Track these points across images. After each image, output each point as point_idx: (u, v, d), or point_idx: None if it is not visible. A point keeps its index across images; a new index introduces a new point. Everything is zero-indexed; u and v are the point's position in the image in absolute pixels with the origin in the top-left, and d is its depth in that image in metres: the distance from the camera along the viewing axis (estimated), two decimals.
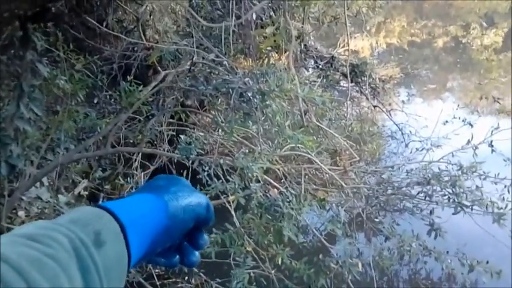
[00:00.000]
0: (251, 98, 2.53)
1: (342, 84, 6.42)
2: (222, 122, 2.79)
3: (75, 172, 3.88)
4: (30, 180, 3.00)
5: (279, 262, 2.91)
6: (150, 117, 3.17)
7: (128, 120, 3.69)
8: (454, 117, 3.69)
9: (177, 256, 0.58)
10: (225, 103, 3.22)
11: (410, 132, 5.23)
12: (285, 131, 2.52)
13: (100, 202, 4.22)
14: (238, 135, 2.98)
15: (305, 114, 2.83)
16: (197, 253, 0.58)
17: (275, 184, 2.96)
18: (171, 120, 4.37)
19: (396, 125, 5.55)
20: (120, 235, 0.45)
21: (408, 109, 6.53)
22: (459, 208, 2.79)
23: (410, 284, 5.25)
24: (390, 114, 6.03)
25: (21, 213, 3.18)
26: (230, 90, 2.55)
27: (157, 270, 3.51)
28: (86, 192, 3.97)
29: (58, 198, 3.57)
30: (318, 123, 3.03)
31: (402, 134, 5.34)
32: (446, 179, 2.89)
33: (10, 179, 3.19)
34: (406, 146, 5.06)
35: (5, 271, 0.34)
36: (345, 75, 5.79)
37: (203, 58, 2.83)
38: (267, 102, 2.48)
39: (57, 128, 3.30)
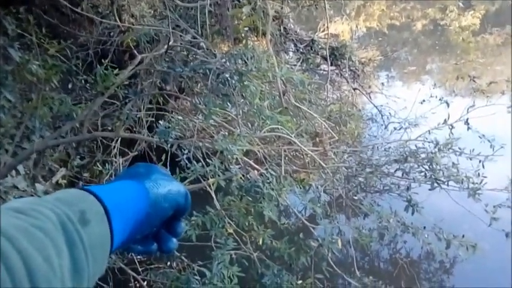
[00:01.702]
0: (229, 79, 2.52)
1: (322, 68, 6.44)
2: (201, 105, 2.77)
3: (53, 160, 3.81)
4: (5, 169, 2.95)
5: (260, 243, 2.93)
6: (127, 102, 3.13)
7: (105, 106, 3.64)
8: (431, 96, 3.74)
9: (155, 244, 0.58)
10: (204, 87, 3.20)
11: (389, 114, 5.29)
12: (264, 112, 2.51)
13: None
14: (217, 118, 2.97)
15: (283, 94, 2.83)
16: (174, 240, 0.59)
17: (255, 166, 2.96)
18: (149, 106, 4.32)
19: (376, 107, 5.61)
20: (104, 217, 0.46)
21: (388, 92, 6.60)
22: (435, 184, 2.84)
23: (391, 263, 5.37)
24: (370, 97, 6.09)
25: None
26: (207, 71, 2.53)
27: (139, 257, 3.50)
28: (65, 181, 3.92)
29: (35, 187, 3.51)
30: (296, 104, 3.03)
31: (382, 116, 5.40)
32: (423, 156, 2.93)
33: None
34: (386, 127, 5.12)
35: None
36: (324, 59, 5.80)
37: (180, 38, 2.79)
38: (245, 83, 2.47)
39: (31, 115, 3.23)
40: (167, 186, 0.56)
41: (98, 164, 3.29)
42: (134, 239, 0.54)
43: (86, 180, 3.98)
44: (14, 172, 3.32)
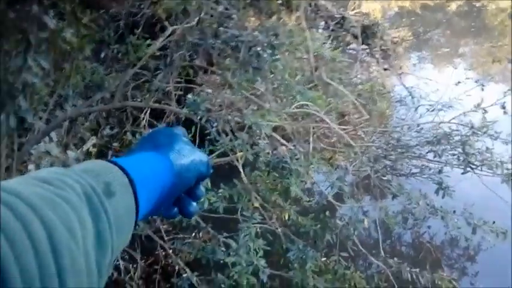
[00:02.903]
0: (261, 52, 2.49)
1: (351, 47, 6.30)
2: (230, 78, 2.75)
3: (84, 129, 3.89)
4: (39, 135, 3.02)
5: (286, 218, 2.94)
6: (158, 73, 3.14)
7: (136, 78, 3.66)
8: (467, 78, 3.61)
9: (176, 208, 0.59)
10: (234, 61, 3.17)
11: (420, 96, 5.15)
12: (295, 87, 2.48)
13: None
14: (246, 93, 2.95)
15: (315, 70, 2.79)
16: (194, 204, 0.60)
17: (283, 142, 2.95)
18: (178, 79, 4.33)
19: (406, 88, 5.46)
20: (129, 189, 0.46)
21: (419, 73, 6.43)
22: (468, 168, 2.77)
23: (413, 247, 5.33)
24: (400, 78, 5.94)
25: (31, 166, 3.21)
26: (239, 44, 2.50)
27: (165, 226, 3.56)
28: (95, 149, 4.00)
29: (67, 154, 3.60)
30: (328, 81, 2.98)
31: (412, 97, 5.26)
32: (456, 138, 2.86)
33: (19, 133, 3.21)
34: (416, 110, 5.00)
35: (19, 206, 0.34)
36: (355, 37, 5.67)
37: (212, 9, 2.76)
38: (277, 57, 2.44)
39: (64, 84, 3.28)
40: (190, 156, 0.56)
41: (127, 133, 3.33)
42: (159, 209, 0.54)
43: (115, 149, 4.05)
44: (47, 139, 3.40)
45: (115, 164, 0.47)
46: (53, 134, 3.57)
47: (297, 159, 2.87)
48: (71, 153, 3.66)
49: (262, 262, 2.56)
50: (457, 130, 2.94)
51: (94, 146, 4.01)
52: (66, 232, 0.35)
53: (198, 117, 2.94)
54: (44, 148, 3.37)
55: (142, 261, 3.81)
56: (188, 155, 0.56)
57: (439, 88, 4.92)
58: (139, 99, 4.19)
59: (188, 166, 0.55)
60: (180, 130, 0.63)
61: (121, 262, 3.76)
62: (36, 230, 0.33)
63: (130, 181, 0.46)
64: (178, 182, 0.54)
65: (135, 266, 3.75)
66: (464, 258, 5.08)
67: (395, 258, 2.88)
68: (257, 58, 2.49)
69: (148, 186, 0.49)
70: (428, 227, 5.22)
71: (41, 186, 0.38)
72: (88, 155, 3.96)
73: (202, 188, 0.60)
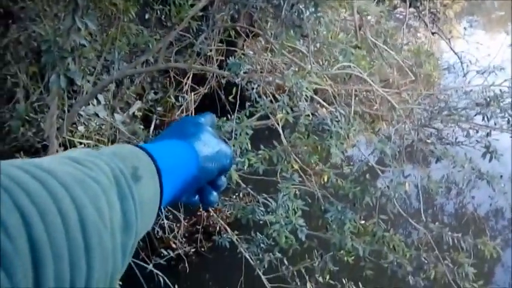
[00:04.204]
0: (303, 10, 2.44)
1: (399, 10, 6.05)
2: (272, 38, 2.73)
3: (130, 93, 4.02)
4: (87, 96, 3.14)
5: (325, 180, 2.94)
6: (200, 35, 3.16)
7: (179, 41, 3.71)
8: None
9: (197, 196, 0.60)
10: (275, 21, 3.13)
11: (470, 61, 4.90)
12: (337, 45, 2.43)
13: (151, 127, 4.40)
14: (288, 54, 2.93)
15: (359, 29, 2.71)
16: (215, 193, 0.60)
17: (324, 104, 2.92)
18: (220, 44, 4.35)
19: (455, 53, 5.21)
20: (155, 175, 0.46)
21: (469, 38, 6.10)
22: None
23: (456, 218, 5.20)
24: (450, 43, 5.66)
25: (81, 128, 3.38)
26: (281, 1, 2.46)
27: None
28: (140, 113, 4.14)
29: (114, 117, 3.75)
30: (372, 39, 2.90)
31: (461, 63, 5.02)
32: (507, 101, 2.72)
33: (69, 95, 3.37)
34: (465, 76, 4.77)
35: (51, 183, 0.35)
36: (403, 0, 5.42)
37: None
38: (320, 14, 2.39)
39: (110, 48, 3.38)
40: (215, 148, 0.57)
41: (171, 97, 3.41)
42: (181, 198, 0.55)
43: (159, 114, 4.17)
44: (95, 101, 3.55)
45: (143, 149, 0.48)
46: (101, 98, 3.71)
47: (337, 121, 2.84)
48: (118, 116, 3.81)
49: (301, 221, 2.60)
50: (508, 93, 2.80)
51: (139, 110, 4.14)
52: (95, 212, 0.36)
53: (239, 79, 2.96)
54: (93, 110, 3.52)
55: (185, 220, 3.96)
56: (214, 147, 0.57)
57: (490, 53, 4.66)
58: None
59: (212, 157, 0.56)
60: (209, 117, 0.64)
61: (165, 221, 3.93)
62: (67, 207, 0.34)
63: (157, 169, 0.47)
64: (202, 173, 0.55)
65: (178, 225, 3.91)
66: (509, 230, 4.91)
67: (437, 223, 2.83)
68: (299, 16, 2.45)
69: (174, 175, 0.50)
70: (473, 197, 5.06)
71: (73, 166, 0.39)
72: (134, 119, 4.10)
73: (224, 179, 0.61)
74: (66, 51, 2.76)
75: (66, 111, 3.22)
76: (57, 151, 3.01)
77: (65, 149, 3.25)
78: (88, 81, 3.35)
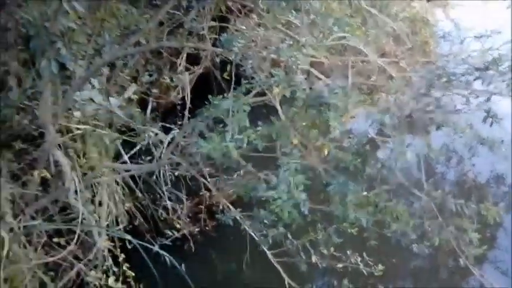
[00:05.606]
0: None
1: None
2: (264, 12, 2.67)
3: (124, 76, 3.96)
4: (81, 80, 3.09)
5: (325, 153, 2.92)
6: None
7: (170, 21, 3.64)
8: None
9: None
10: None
11: (466, 28, 4.83)
12: (332, 15, 2.38)
13: (148, 109, 4.34)
14: (281, 27, 2.87)
15: None
16: None
17: (321, 76, 2.88)
18: (212, 23, 4.28)
19: (451, 19, 5.13)
20: None
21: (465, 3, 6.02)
22: None
23: (457, 186, 5.22)
24: (445, 10, 5.58)
25: (76, 113, 3.34)
26: None
27: (207, 168, 3.64)
28: (136, 96, 4.09)
29: (110, 101, 3.70)
30: (366, 7, 2.84)
31: (458, 29, 4.94)
32: (507, 64, 2.68)
33: (62, 81, 3.31)
34: (461, 42, 4.71)
35: None
36: None
37: None
38: None
39: (100, 31, 3.31)
40: None
41: (166, 78, 3.36)
42: None
43: (155, 96, 4.12)
44: (89, 86, 3.50)
45: None
46: (96, 82, 3.66)
47: (335, 93, 2.80)
48: (114, 100, 3.76)
49: (303, 196, 2.58)
50: (507, 55, 2.75)
51: (135, 93, 4.09)
52: None
53: (233, 56, 2.91)
54: (88, 95, 3.48)
55: (188, 201, 3.97)
56: None
57: (486, 18, 4.59)
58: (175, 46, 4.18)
59: None
60: None
61: (168, 203, 3.94)
62: None
63: None
64: None
65: (181, 206, 3.93)
66: (509, 195, 4.93)
67: (440, 190, 2.83)
68: None
69: None
70: (473, 165, 5.06)
71: None
72: (130, 102, 4.06)
73: None
74: (55, 36, 2.70)
75: (61, 97, 3.18)
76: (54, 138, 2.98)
77: (62, 135, 3.22)
78: (80, 66, 3.30)
